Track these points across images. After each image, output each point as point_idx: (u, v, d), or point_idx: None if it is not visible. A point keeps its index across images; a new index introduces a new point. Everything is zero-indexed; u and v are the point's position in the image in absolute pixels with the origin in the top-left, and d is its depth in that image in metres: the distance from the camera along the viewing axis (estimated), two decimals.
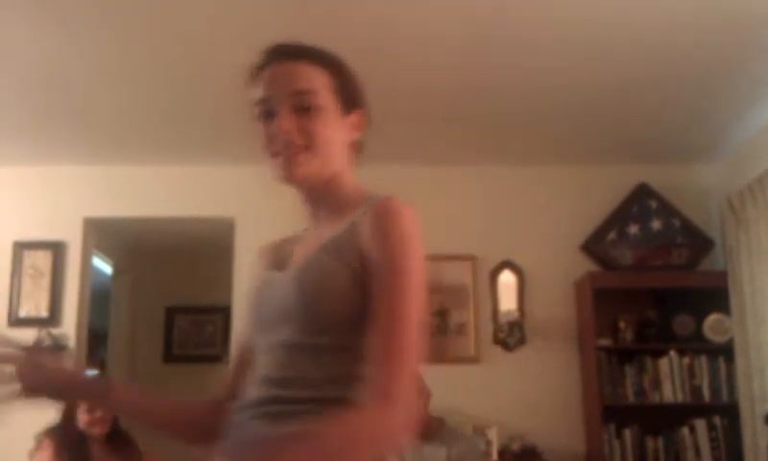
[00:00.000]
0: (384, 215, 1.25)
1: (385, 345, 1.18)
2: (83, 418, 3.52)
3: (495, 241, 4.87)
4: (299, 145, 1.34)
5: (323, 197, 1.40)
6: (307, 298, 1.27)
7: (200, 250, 5.97)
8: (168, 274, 6.40)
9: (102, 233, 5.31)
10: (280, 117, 1.34)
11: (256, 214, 4.84)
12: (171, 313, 6.43)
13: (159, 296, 6.43)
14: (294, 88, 1.35)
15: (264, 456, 1.17)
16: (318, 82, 1.36)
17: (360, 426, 1.15)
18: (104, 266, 6.05)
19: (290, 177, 1.37)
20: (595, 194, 4.87)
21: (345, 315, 1.24)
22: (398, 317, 1.19)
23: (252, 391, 1.30)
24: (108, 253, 5.96)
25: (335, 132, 1.37)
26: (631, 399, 4.46)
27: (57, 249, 4.86)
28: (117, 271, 6.30)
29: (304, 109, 1.35)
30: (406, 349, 1.18)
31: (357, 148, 1.45)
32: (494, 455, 4.29)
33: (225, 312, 5.32)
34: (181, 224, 5.27)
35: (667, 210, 4.75)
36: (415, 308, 1.21)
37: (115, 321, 6.37)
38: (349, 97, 1.41)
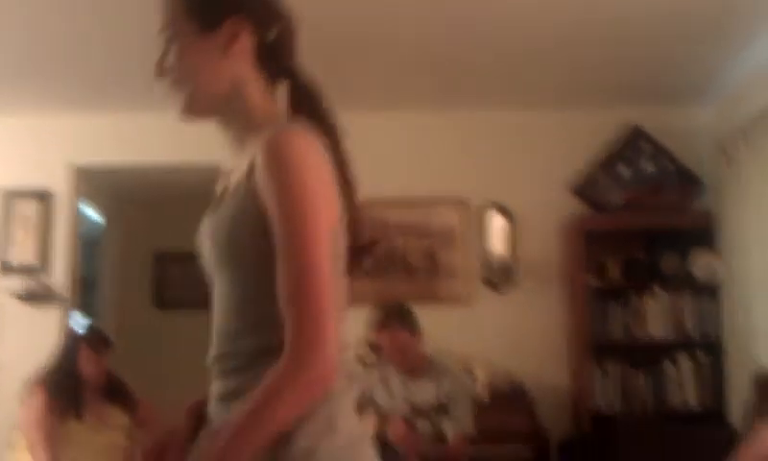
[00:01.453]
0: (272, 157, 1.19)
1: (290, 295, 1.16)
2: (86, 368, 3.52)
3: (485, 184, 4.89)
4: (169, 83, 1.36)
5: (229, 121, 1.37)
6: (222, 251, 1.26)
7: (190, 197, 5.93)
8: (158, 221, 6.40)
9: (91, 181, 5.29)
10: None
11: None
12: (162, 260, 6.44)
13: (150, 243, 6.43)
14: (159, 30, 1.36)
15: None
16: (171, 12, 1.35)
17: (280, 391, 1.13)
18: (93, 214, 6.04)
19: (180, 113, 1.38)
20: (586, 136, 4.87)
21: (259, 262, 1.21)
22: (300, 264, 1.16)
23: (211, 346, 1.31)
24: (97, 201, 5.95)
25: (197, 54, 1.34)
26: (617, 336, 4.54)
27: (45, 197, 4.86)
28: (107, 219, 6.30)
29: (167, 46, 1.35)
30: (312, 296, 1.14)
31: (263, 54, 1.36)
32: (483, 392, 4.36)
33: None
34: (171, 171, 5.26)
35: (659, 152, 4.77)
36: (317, 251, 1.16)
37: (106, 268, 6.38)
38: (210, 11, 1.34)
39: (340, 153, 1.32)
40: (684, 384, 4.48)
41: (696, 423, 4.21)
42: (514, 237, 4.82)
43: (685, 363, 4.49)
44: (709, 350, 4.47)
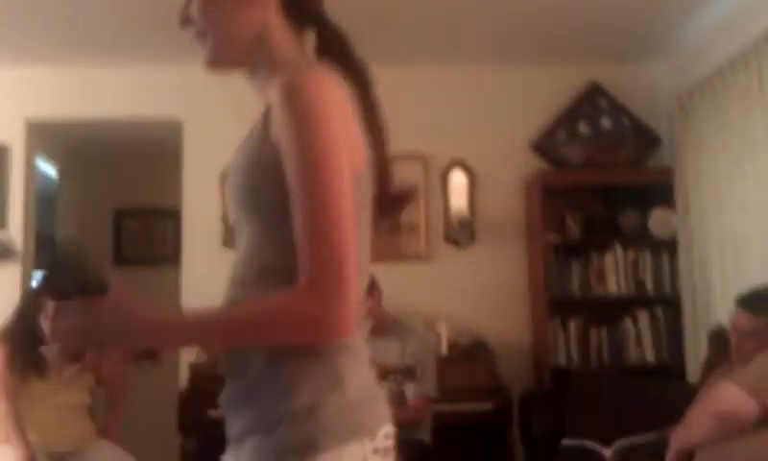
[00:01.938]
0: (288, 98, 1.17)
1: (310, 237, 1.14)
2: (46, 324, 3.46)
3: (446, 140, 4.88)
4: (196, 33, 1.33)
5: (256, 70, 1.35)
6: (239, 195, 1.25)
7: (148, 152, 5.86)
8: (116, 177, 6.28)
9: (46, 136, 5.18)
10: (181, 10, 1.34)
11: (204, 115, 4.78)
12: (119, 216, 6.35)
13: (107, 199, 6.33)
14: None
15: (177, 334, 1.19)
16: None
17: (287, 309, 1.13)
18: (49, 170, 5.92)
19: (205, 65, 1.35)
20: (546, 93, 4.88)
21: (273, 207, 1.20)
22: (319, 206, 1.14)
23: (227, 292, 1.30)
24: (53, 156, 5.82)
25: (222, 3, 1.31)
26: (576, 292, 4.60)
27: (0, 152, 4.74)
28: (63, 174, 6.17)
29: None
30: (334, 237, 1.13)
31: (291, 5, 1.34)
32: (445, 349, 4.40)
33: (175, 215, 5.29)
34: (128, 126, 5.17)
35: (617, 109, 4.79)
36: (336, 193, 1.14)
37: (62, 224, 6.27)
38: None
39: (369, 100, 1.30)
40: (641, 340, 4.56)
41: (653, 377, 4.30)
42: (475, 194, 4.84)
43: (643, 319, 4.57)
44: (667, 306, 4.55)
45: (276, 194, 1.18)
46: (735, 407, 2.30)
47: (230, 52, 1.33)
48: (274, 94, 1.19)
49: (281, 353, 1.19)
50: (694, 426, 2.44)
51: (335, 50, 1.33)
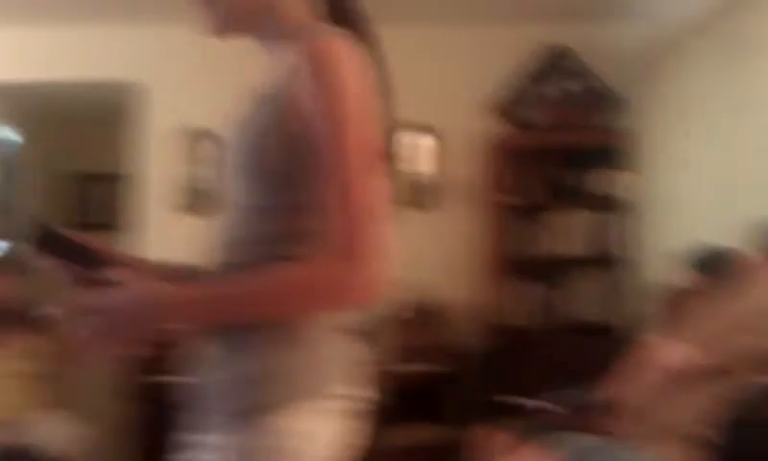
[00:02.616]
0: (316, 65, 1.17)
1: (338, 199, 1.14)
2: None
3: (411, 103, 4.77)
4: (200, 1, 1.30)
5: (264, 35, 1.34)
6: (246, 158, 1.23)
7: (111, 117, 5.78)
8: (80, 142, 6.20)
9: (5, 100, 5.10)
10: None
11: (164, 78, 4.72)
12: (83, 181, 6.28)
13: (70, 164, 6.25)
14: None
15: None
16: None
17: (312, 276, 1.13)
18: (11, 135, 5.82)
19: (213, 32, 1.32)
20: (511, 55, 4.84)
21: (286, 171, 1.20)
22: (346, 173, 1.14)
23: (213, 256, 1.28)
24: (13, 120, 5.72)
25: None
26: (536, 252, 4.64)
27: None
28: (25, 139, 6.06)
29: None
30: (360, 201, 1.14)
31: None
32: (402, 311, 4.44)
33: (133, 180, 5.23)
34: (88, 88, 5.10)
35: (582, 71, 4.77)
36: (361, 158, 1.15)
37: (25, 191, 6.19)
38: None
39: (379, 62, 1.31)
40: (595, 299, 4.61)
41: (604, 335, 4.36)
42: (439, 156, 4.83)
43: (601, 279, 4.62)
44: (624, 266, 4.58)
45: (286, 159, 1.18)
46: (679, 360, 2.33)
47: (240, 17, 1.31)
48: (295, 60, 1.19)
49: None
50: (645, 380, 2.46)
51: (345, 12, 1.34)
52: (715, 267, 2.87)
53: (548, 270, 4.65)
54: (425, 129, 4.82)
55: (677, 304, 2.86)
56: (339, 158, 1.15)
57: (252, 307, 1.15)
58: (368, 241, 1.13)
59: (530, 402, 3.01)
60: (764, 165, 3.21)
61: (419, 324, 4.38)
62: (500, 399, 3.32)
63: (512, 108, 4.79)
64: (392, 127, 1.31)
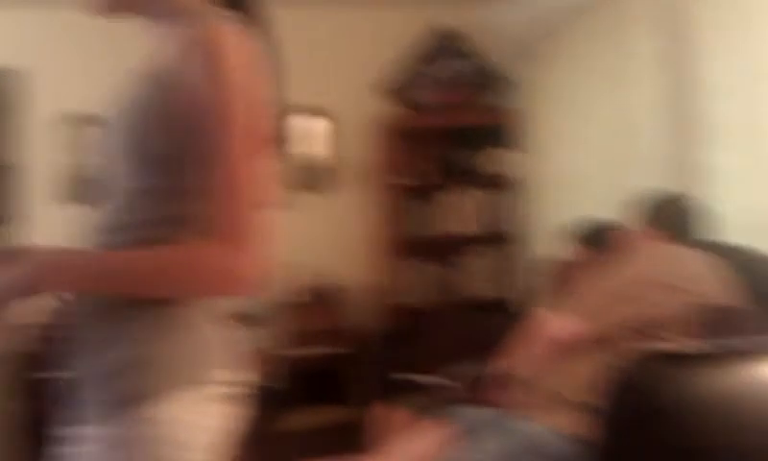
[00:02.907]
0: (202, 48, 1.16)
1: (221, 184, 1.13)
2: None
3: (304, 86, 4.80)
4: None
5: (153, 16, 1.30)
6: (126, 141, 1.20)
7: None
8: None
9: None
10: None
11: (43, 64, 4.52)
12: None
13: None
14: None
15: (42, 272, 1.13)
16: None
17: (193, 259, 1.12)
18: None
19: (100, 10, 1.29)
20: (401, 36, 4.88)
21: (167, 155, 1.17)
22: (229, 154, 1.14)
23: (89, 239, 1.24)
24: None
25: None
26: (429, 231, 4.70)
27: None
28: None
29: None
30: (243, 186, 1.13)
31: None
32: (298, 294, 4.44)
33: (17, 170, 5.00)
34: None
35: (470, 51, 4.85)
36: (245, 144, 1.15)
37: None
38: None
39: (271, 45, 1.29)
40: (487, 276, 4.73)
41: (496, 311, 4.46)
42: (332, 139, 4.83)
43: (492, 256, 4.74)
44: (515, 242, 4.71)
45: (168, 143, 1.16)
46: (565, 331, 2.40)
47: None
48: (182, 43, 1.17)
49: (117, 304, 1.16)
50: (526, 353, 2.53)
51: None
52: (598, 240, 2.99)
53: (442, 249, 4.73)
54: (318, 111, 4.81)
55: (563, 277, 2.97)
56: (223, 143, 1.14)
57: (127, 285, 1.14)
58: (250, 226, 1.13)
59: (426, 379, 3.07)
60: (645, 139, 3.35)
61: (316, 307, 4.38)
62: (398, 377, 3.38)
63: (403, 89, 4.84)
64: (283, 110, 1.31)
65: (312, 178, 4.80)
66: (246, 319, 3.53)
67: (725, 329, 2.12)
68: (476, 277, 4.74)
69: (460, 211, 4.71)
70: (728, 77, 2.87)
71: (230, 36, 1.18)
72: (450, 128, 4.77)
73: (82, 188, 4.51)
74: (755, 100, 2.71)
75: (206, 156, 1.14)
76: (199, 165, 1.15)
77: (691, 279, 2.33)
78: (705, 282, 2.33)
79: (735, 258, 2.49)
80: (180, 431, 1.16)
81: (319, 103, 4.81)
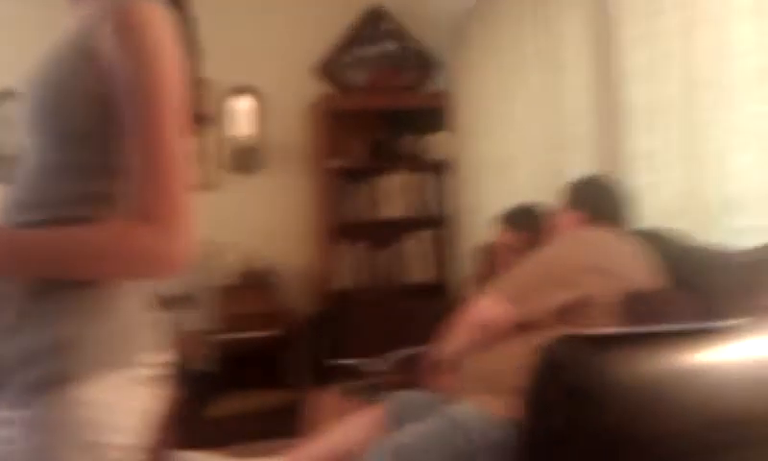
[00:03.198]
0: (125, 26, 1.13)
1: (146, 162, 1.10)
2: None
3: (230, 63, 4.74)
4: None
5: None
6: (44, 113, 1.16)
7: None
8: None
9: None
10: None
11: None
12: None
13: None
14: None
15: None
16: None
17: (115, 239, 1.08)
18: None
19: None
20: (331, 15, 4.84)
21: (86, 130, 1.14)
22: (156, 136, 1.11)
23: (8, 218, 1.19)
24: None
25: None
26: (361, 215, 4.70)
27: None
28: None
29: None
30: (169, 165, 1.10)
31: None
32: (230, 277, 4.40)
33: None
34: None
35: (399, 32, 4.86)
36: (171, 125, 1.13)
37: None
38: None
39: (186, 20, 1.27)
40: (419, 260, 4.76)
41: (428, 295, 4.51)
42: (260, 119, 4.77)
43: (422, 240, 4.77)
44: (444, 226, 4.74)
45: (86, 118, 1.13)
46: (494, 315, 2.43)
47: None
48: (104, 18, 1.13)
49: (40, 284, 1.13)
50: (457, 337, 2.56)
51: None
52: (529, 224, 3.04)
53: (376, 233, 4.73)
54: (247, 90, 4.75)
55: (494, 261, 3.02)
56: (149, 121, 1.12)
57: (51, 264, 1.11)
58: (180, 206, 1.11)
59: (360, 363, 3.08)
60: (580, 123, 3.39)
61: (249, 290, 4.36)
62: (332, 361, 3.38)
63: (332, 69, 4.81)
64: (200, 88, 1.30)
65: (242, 158, 4.74)
66: (177, 301, 3.49)
67: (650, 314, 2.18)
68: (411, 261, 4.76)
69: (393, 195, 4.72)
70: (648, 62, 2.93)
71: (153, 9, 1.16)
72: (382, 110, 4.77)
73: (3, 166, 4.36)
74: (676, 85, 2.78)
75: (132, 132, 1.12)
76: (123, 142, 1.13)
77: (618, 263, 2.38)
78: (631, 267, 2.39)
79: (659, 242, 2.56)
80: (105, 414, 1.14)
81: (248, 81, 4.75)
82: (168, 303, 3.49)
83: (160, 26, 1.15)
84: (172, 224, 1.10)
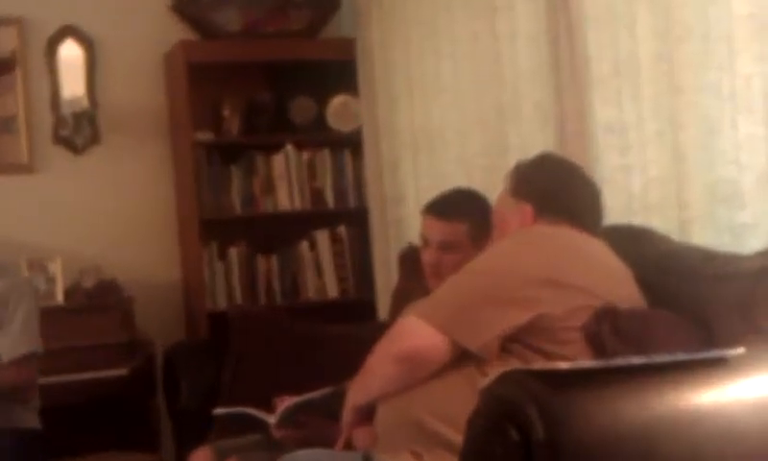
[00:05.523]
0: None
1: None
2: None
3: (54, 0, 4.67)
4: None
5: None
6: None
7: None
8: None
9: None
10: None
11: None
12: None
13: None
14: None
15: None
16: None
17: None
18: None
19: None
20: None
21: None
22: None
23: None
24: None
25: None
26: (238, 209, 4.70)
27: None
28: None
29: None
30: None
31: None
32: (60, 296, 4.35)
33: None
34: None
35: None
36: None
37: None
38: None
39: None
40: (322, 268, 4.77)
41: (337, 315, 4.48)
42: (95, 74, 4.71)
43: (324, 241, 4.79)
44: (353, 223, 4.78)
45: None
46: (422, 345, 2.43)
47: None
48: None
49: None
50: (374, 373, 2.56)
51: None
52: (465, 218, 3.04)
53: (260, 232, 4.74)
54: (76, 34, 4.69)
55: (420, 269, 3.04)
56: None
57: None
58: None
59: (243, 412, 3.04)
60: (527, 87, 3.44)
61: (85, 313, 4.33)
62: (205, 410, 3.33)
63: (193, 7, 4.74)
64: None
65: (69, 128, 4.66)
66: None
67: (629, 341, 2.21)
68: (308, 271, 4.76)
69: (281, 181, 4.70)
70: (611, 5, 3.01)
71: None
72: (263, 63, 4.77)
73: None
74: (650, 36, 2.86)
75: None
76: None
77: (583, 273, 2.41)
78: (601, 278, 2.43)
79: (633, 245, 2.62)
80: None
81: (84, 22, 4.69)
82: None
83: None
84: None
